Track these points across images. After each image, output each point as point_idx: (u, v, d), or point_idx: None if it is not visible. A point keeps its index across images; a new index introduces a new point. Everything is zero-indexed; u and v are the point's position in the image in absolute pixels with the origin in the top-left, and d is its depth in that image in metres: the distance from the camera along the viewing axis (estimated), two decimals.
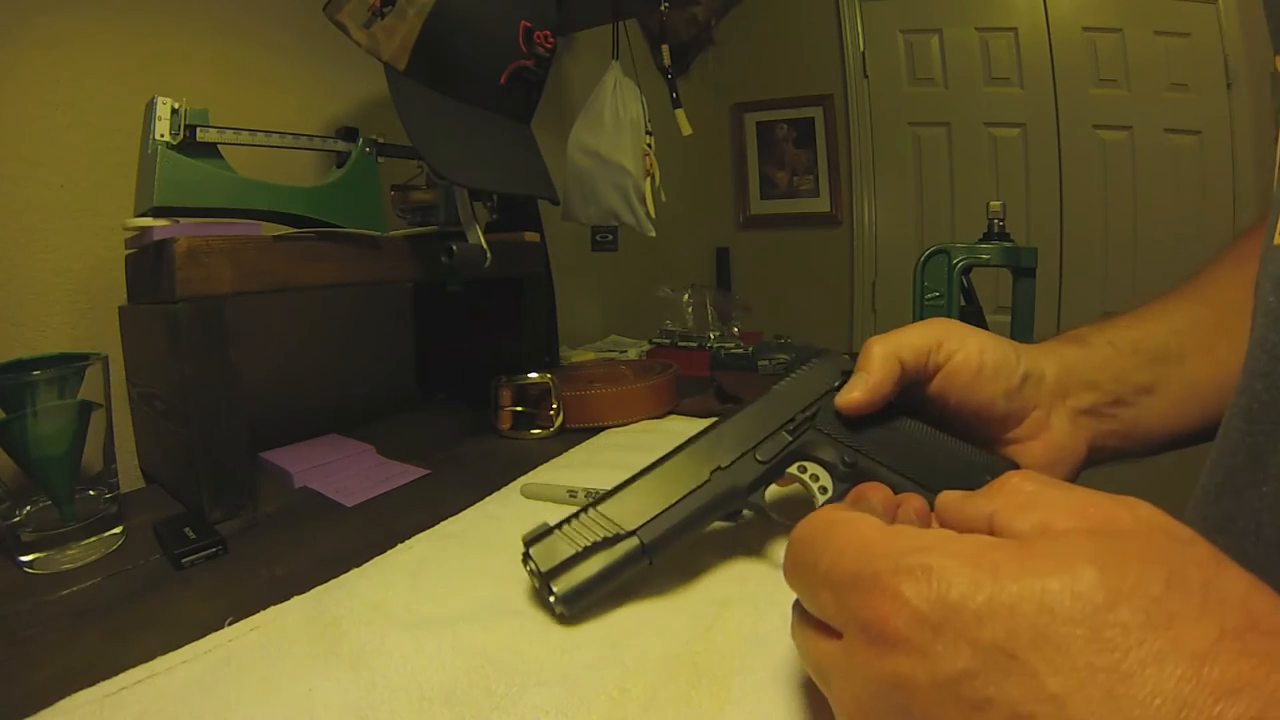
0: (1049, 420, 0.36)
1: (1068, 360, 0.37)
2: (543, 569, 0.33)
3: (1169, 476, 0.43)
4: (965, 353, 0.35)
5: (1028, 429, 0.36)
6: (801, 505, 0.34)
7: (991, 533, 0.20)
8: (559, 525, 0.34)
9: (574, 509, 0.35)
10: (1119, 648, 0.15)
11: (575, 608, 0.32)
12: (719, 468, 0.35)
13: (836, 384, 0.37)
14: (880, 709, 0.19)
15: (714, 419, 0.38)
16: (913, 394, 0.37)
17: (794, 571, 0.23)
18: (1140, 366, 0.37)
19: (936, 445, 0.36)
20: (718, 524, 0.43)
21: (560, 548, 0.33)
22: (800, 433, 0.37)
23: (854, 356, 0.38)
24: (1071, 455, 0.36)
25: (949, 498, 0.23)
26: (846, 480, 0.36)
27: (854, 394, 0.35)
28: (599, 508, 0.35)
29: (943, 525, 0.23)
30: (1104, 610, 0.16)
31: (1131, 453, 0.38)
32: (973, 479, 0.31)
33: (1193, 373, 0.37)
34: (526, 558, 0.34)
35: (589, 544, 0.33)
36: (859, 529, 0.21)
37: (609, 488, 0.42)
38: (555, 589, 0.32)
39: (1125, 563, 0.16)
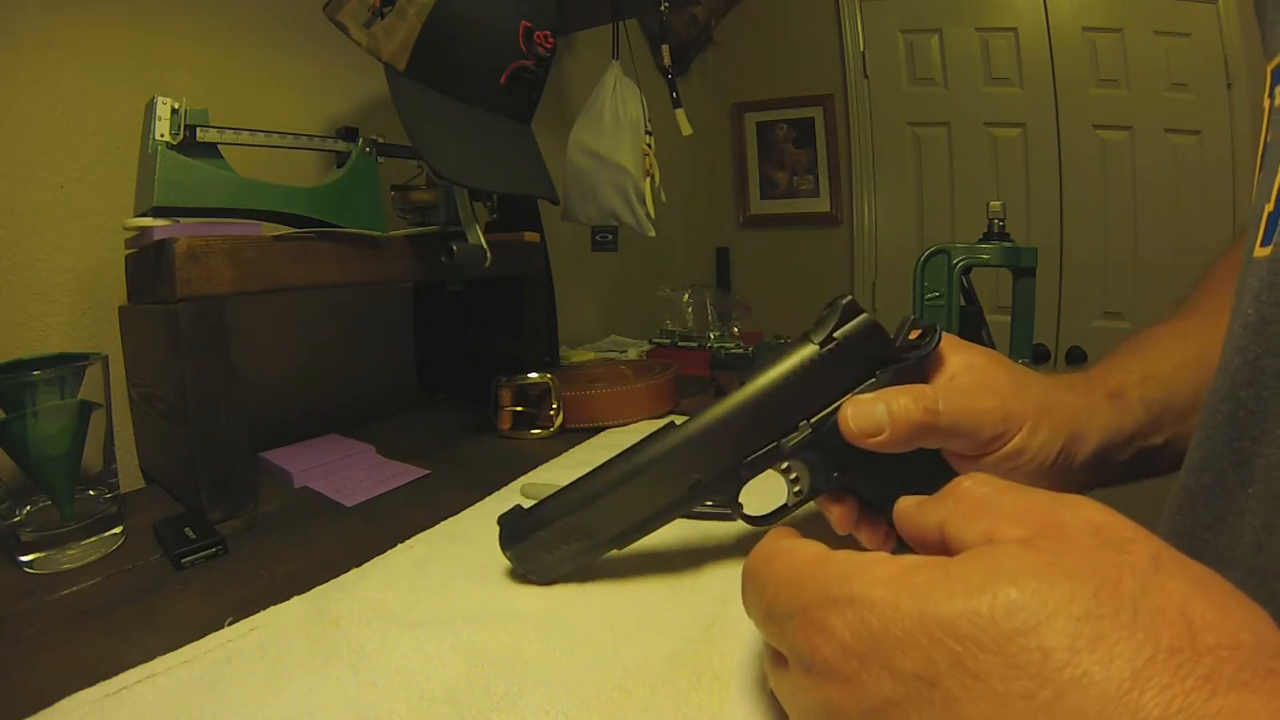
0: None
1: (1109, 426, 0.34)
2: (516, 567, 0.37)
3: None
4: (1019, 455, 0.31)
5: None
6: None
7: (943, 541, 0.20)
8: (532, 532, 0.35)
9: (543, 500, 0.36)
10: (1039, 674, 0.15)
11: (545, 579, 0.37)
12: (698, 482, 0.32)
13: (866, 382, 0.31)
14: None
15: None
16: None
17: (746, 604, 0.23)
18: (1165, 426, 0.35)
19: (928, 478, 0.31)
20: (717, 524, 0.43)
21: (533, 552, 0.36)
22: (800, 449, 0.31)
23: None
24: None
25: (905, 505, 0.23)
26: (817, 495, 0.33)
27: (862, 429, 0.30)
28: (572, 518, 0.34)
29: (900, 533, 0.23)
30: (1024, 634, 0.15)
31: (1120, 483, 0.37)
32: None
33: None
34: (501, 536, 0.37)
35: (562, 547, 0.35)
36: (794, 560, 0.21)
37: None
38: (525, 576, 0.37)
39: (1052, 580, 0.16)
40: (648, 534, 0.34)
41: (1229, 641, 0.14)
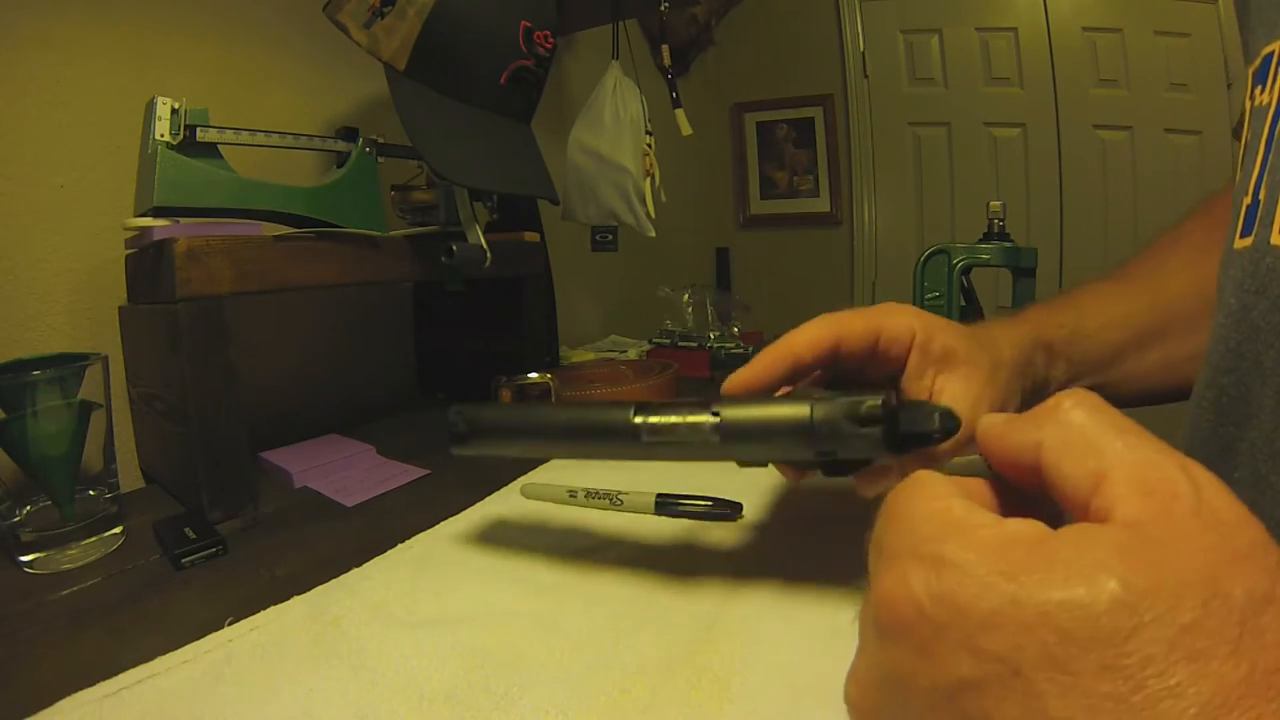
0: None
1: (1037, 378, 0.37)
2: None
3: None
4: (909, 341, 0.33)
5: None
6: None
7: (1038, 467, 0.19)
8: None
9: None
10: (1133, 678, 0.14)
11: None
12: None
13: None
14: (880, 698, 0.18)
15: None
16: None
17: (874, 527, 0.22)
18: (1087, 375, 0.39)
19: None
20: (718, 524, 0.43)
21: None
22: None
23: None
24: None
25: (991, 423, 0.21)
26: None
27: (730, 381, 0.32)
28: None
29: (984, 454, 0.22)
30: (1124, 636, 0.14)
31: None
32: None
33: (1127, 369, 0.40)
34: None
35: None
36: (919, 501, 0.19)
37: (608, 488, 0.41)
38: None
39: (1160, 579, 0.15)
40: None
41: None
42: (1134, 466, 0.17)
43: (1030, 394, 0.36)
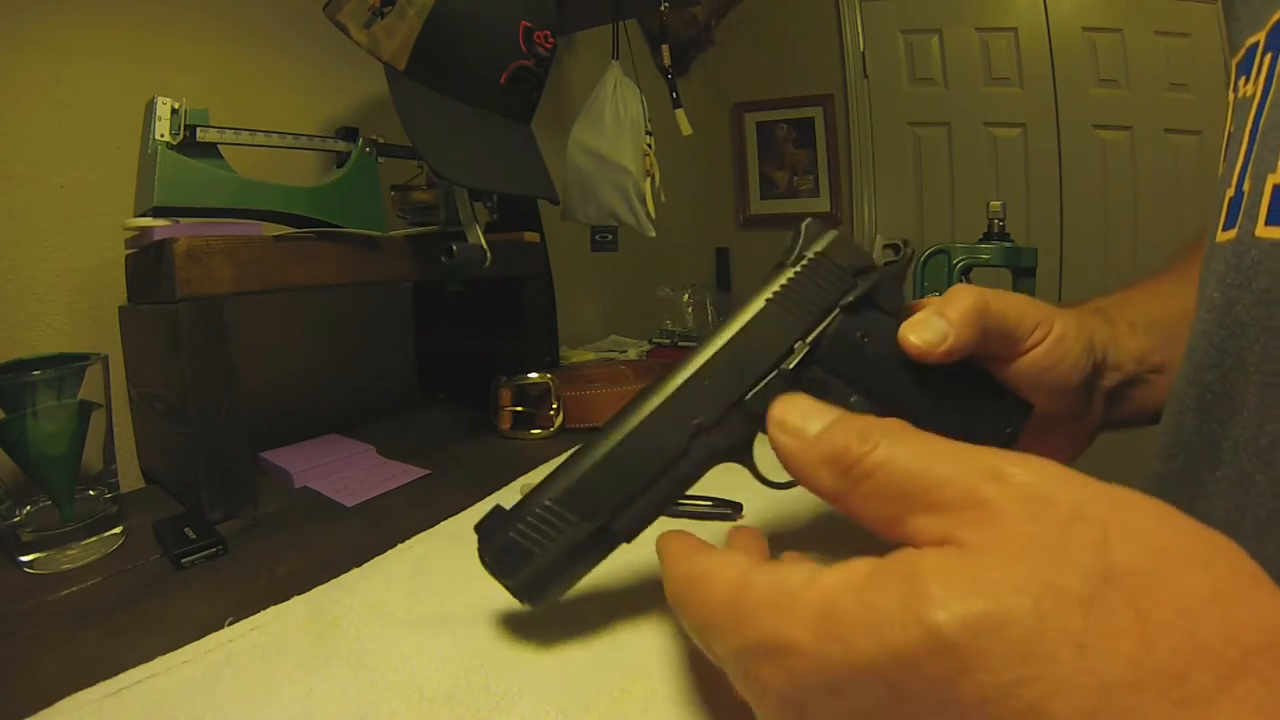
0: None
1: (1099, 340, 0.35)
2: (504, 581, 0.28)
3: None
4: (1054, 342, 0.31)
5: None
6: None
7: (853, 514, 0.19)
8: (512, 524, 0.28)
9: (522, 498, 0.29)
10: (981, 709, 0.14)
11: (540, 601, 0.29)
12: (700, 428, 0.28)
13: (850, 297, 0.29)
14: None
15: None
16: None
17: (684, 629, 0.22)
18: (1156, 348, 0.36)
19: (958, 395, 0.30)
20: (718, 524, 0.43)
21: (519, 554, 0.28)
22: (803, 372, 0.29)
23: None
24: (1093, 428, 0.36)
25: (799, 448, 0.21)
26: None
27: (926, 340, 0.28)
28: (561, 496, 0.28)
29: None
30: (957, 676, 0.14)
31: (1136, 424, 0.38)
32: (981, 434, 0.29)
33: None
34: (482, 554, 0.29)
35: (553, 545, 0.28)
36: (712, 593, 0.19)
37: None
38: (514, 590, 0.28)
39: (983, 603, 0.14)
40: (655, 514, 0.28)
41: (1189, 646, 0.13)
42: (931, 484, 0.17)
43: (1099, 363, 0.34)
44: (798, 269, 0.30)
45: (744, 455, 0.29)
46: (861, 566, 0.17)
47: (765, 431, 0.26)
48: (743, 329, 0.29)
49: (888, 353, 0.29)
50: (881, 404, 0.29)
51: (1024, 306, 0.31)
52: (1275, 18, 0.25)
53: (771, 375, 0.28)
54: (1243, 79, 0.27)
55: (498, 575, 0.28)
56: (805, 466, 0.20)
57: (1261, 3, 0.27)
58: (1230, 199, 0.26)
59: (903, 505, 0.17)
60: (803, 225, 0.30)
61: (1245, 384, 0.24)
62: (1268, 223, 0.23)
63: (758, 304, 0.29)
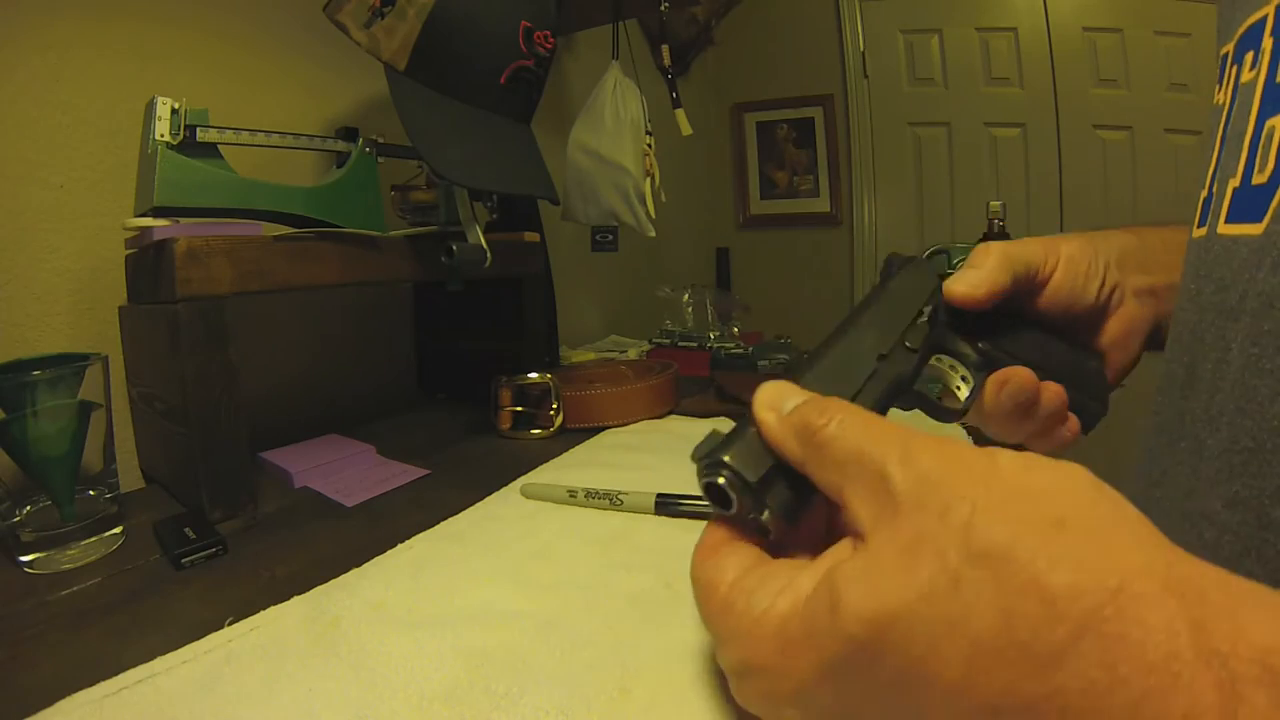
0: (1121, 297, 0.38)
1: (1126, 246, 0.38)
2: (751, 479, 0.23)
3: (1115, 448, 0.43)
4: (1064, 266, 0.36)
5: (1108, 309, 0.38)
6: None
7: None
8: (737, 433, 0.25)
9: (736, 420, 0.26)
10: (907, 689, 0.17)
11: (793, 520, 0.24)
12: (881, 355, 0.32)
13: (933, 294, 0.36)
14: None
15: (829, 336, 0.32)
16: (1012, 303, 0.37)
17: None
18: (1162, 270, 0.38)
19: (1046, 341, 0.36)
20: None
21: (754, 451, 0.24)
22: (932, 324, 0.35)
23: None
24: (1141, 326, 0.38)
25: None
26: (982, 369, 0.35)
27: (967, 286, 0.34)
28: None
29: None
30: (876, 668, 0.17)
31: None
32: (1084, 374, 0.36)
33: None
34: (711, 468, 0.24)
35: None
36: (712, 602, 0.22)
37: (609, 488, 0.40)
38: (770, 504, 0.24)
39: (883, 598, 0.17)
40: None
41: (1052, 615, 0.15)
42: (859, 474, 0.20)
43: (1118, 265, 0.37)
44: (900, 275, 0.37)
45: (914, 381, 0.33)
46: (804, 586, 0.20)
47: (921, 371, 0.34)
48: (876, 308, 0.34)
49: (978, 318, 0.35)
50: (1002, 350, 0.35)
51: (1035, 245, 0.36)
52: (1240, 30, 0.28)
53: (912, 321, 0.34)
54: (1218, 86, 0.30)
55: (755, 489, 0.24)
56: (780, 437, 0.23)
57: (1231, 14, 0.29)
58: (1204, 200, 0.29)
59: (843, 474, 0.20)
60: (903, 267, 0.37)
61: (1204, 361, 0.27)
62: (1227, 221, 0.26)
63: (880, 293, 0.36)
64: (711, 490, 0.24)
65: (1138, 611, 0.14)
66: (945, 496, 0.17)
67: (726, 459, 0.23)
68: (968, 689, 0.16)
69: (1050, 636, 0.15)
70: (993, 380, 0.34)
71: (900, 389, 0.32)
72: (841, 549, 0.20)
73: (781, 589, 0.20)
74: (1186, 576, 0.15)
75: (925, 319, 0.35)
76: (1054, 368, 0.35)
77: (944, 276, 0.37)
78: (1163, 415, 0.30)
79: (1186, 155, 1.71)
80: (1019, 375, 0.33)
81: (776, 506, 0.23)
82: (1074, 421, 0.35)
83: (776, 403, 0.24)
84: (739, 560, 0.22)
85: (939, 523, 0.17)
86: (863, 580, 0.18)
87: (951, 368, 0.36)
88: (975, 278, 0.34)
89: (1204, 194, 0.29)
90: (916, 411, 0.35)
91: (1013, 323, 0.36)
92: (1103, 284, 0.36)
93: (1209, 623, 0.14)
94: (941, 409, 0.35)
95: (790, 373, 0.29)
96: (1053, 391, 0.34)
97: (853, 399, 0.29)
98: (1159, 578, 0.15)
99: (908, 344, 0.33)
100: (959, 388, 0.36)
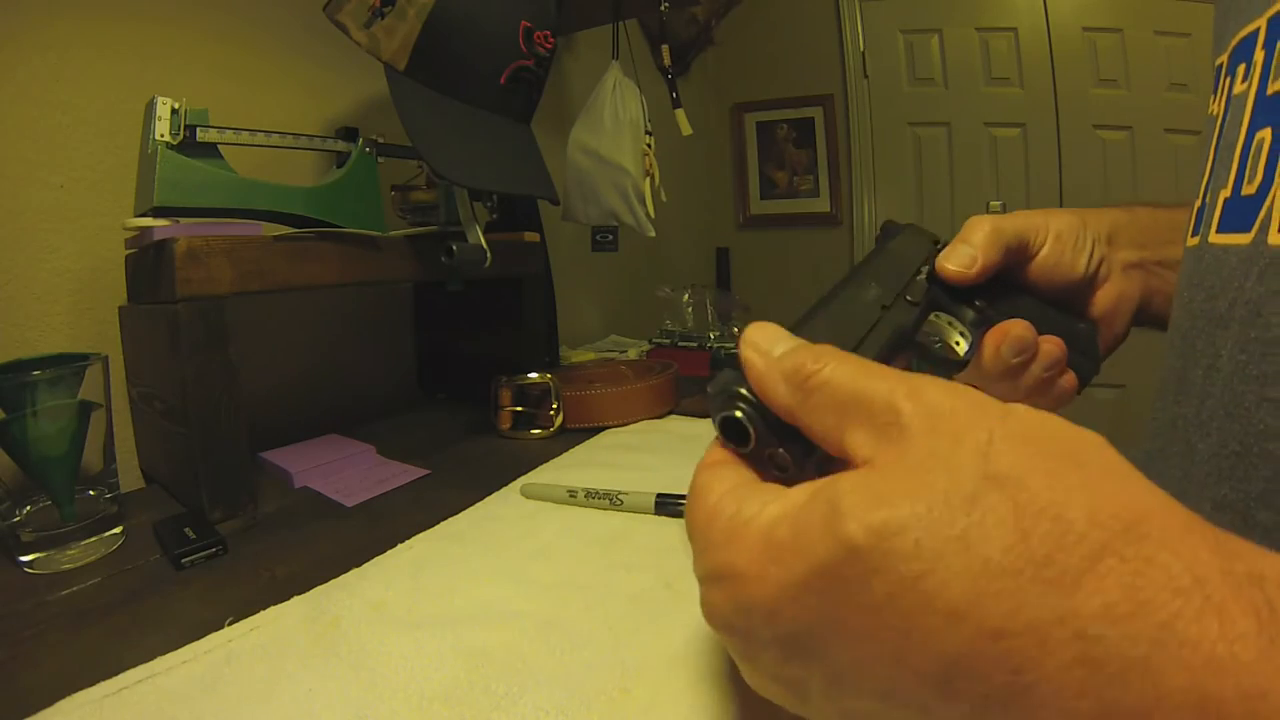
0: (1108, 271, 0.38)
1: (1116, 222, 0.39)
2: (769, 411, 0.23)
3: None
4: (1052, 240, 0.37)
5: (1096, 281, 0.38)
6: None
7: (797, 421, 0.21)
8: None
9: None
10: (897, 608, 0.16)
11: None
12: (884, 306, 0.31)
13: (929, 256, 0.36)
14: (760, 683, 0.21)
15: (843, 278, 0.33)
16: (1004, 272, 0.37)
17: None
18: (1177, 241, 0.37)
19: (1038, 304, 0.37)
20: None
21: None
22: (930, 282, 0.36)
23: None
24: (1128, 300, 0.38)
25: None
26: (979, 326, 0.35)
27: (959, 265, 0.34)
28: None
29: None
30: (867, 577, 0.16)
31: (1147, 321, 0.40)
32: (1076, 334, 0.36)
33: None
34: (727, 400, 0.23)
35: None
36: (698, 510, 0.21)
37: (609, 488, 0.40)
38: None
39: (886, 510, 0.16)
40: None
41: (1048, 549, 0.15)
42: (861, 412, 0.19)
43: (1107, 239, 0.38)
44: (895, 240, 0.37)
45: (916, 331, 0.34)
46: (798, 497, 0.18)
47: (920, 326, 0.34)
48: (874, 267, 0.34)
49: (971, 288, 0.36)
50: (1000, 309, 0.35)
51: (1026, 219, 0.37)
52: (1234, 42, 0.28)
53: (910, 278, 0.34)
54: (1213, 97, 0.30)
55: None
56: (767, 380, 0.22)
57: (1225, 25, 0.30)
58: (1197, 209, 0.30)
59: (842, 416, 0.19)
60: (899, 232, 0.38)
61: (1195, 368, 0.27)
62: (1218, 231, 0.27)
63: (877, 254, 0.36)
64: (728, 425, 0.23)
65: (1163, 537, 0.14)
66: (959, 424, 0.17)
67: (743, 390, 0.23)
68: (970, 611, 0.15)
69: (1067, 558, 0.14)
70: (992, 334, 0.34)
71: (903, 341, 0.32)
72: (843, 474, 0.19)
73: (775, 497, 0.19)
74: (1205, 525, 0.15)
75: (924, 277, 0.35)
76: (1048, 328, 0.35)
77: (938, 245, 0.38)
78: (1158, 420, 0.31)
79: (1186, 155, 1.71)
80: (1018, 327, 0.33)
81: (794, 440, 0.22)
82: (1071, 376, 0.36)
83: (764, 345, 0.23)
84: (738, 474, 0.21)
85: (954, 445, 0.16)
86: (866, 490, 0.17)
87: (950, 324, 0.36)
88: (967, 256, 0.35)
89: (1198, 204, 0.30)
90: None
91: (1005, 288, 0.37)
92: (1090, 256, 0.37)
93: (1239, 553, 0.14)
94: (943, 360, 0.36)
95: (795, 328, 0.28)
96: (1052, 342, 0.34)
97: (856, 348, 0.28)
98: (1180, 517, 0.15)
99: (909, 298, 0.34)
100: (958, 343, 0.36)
